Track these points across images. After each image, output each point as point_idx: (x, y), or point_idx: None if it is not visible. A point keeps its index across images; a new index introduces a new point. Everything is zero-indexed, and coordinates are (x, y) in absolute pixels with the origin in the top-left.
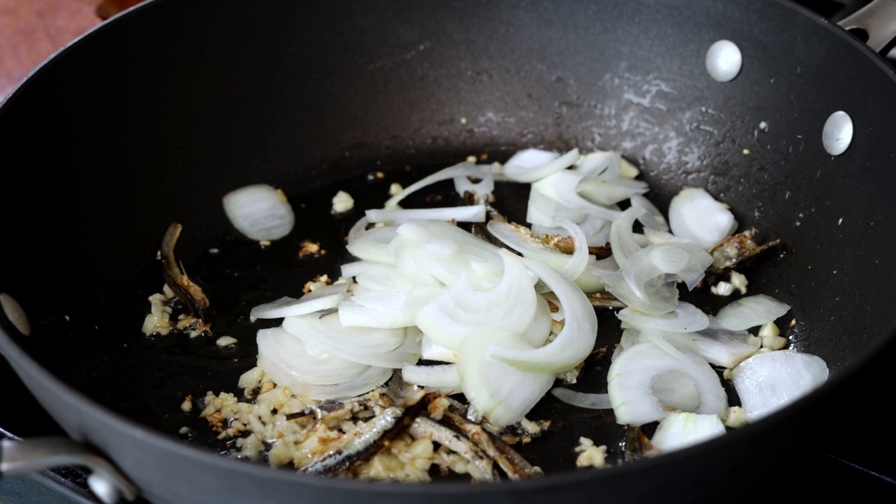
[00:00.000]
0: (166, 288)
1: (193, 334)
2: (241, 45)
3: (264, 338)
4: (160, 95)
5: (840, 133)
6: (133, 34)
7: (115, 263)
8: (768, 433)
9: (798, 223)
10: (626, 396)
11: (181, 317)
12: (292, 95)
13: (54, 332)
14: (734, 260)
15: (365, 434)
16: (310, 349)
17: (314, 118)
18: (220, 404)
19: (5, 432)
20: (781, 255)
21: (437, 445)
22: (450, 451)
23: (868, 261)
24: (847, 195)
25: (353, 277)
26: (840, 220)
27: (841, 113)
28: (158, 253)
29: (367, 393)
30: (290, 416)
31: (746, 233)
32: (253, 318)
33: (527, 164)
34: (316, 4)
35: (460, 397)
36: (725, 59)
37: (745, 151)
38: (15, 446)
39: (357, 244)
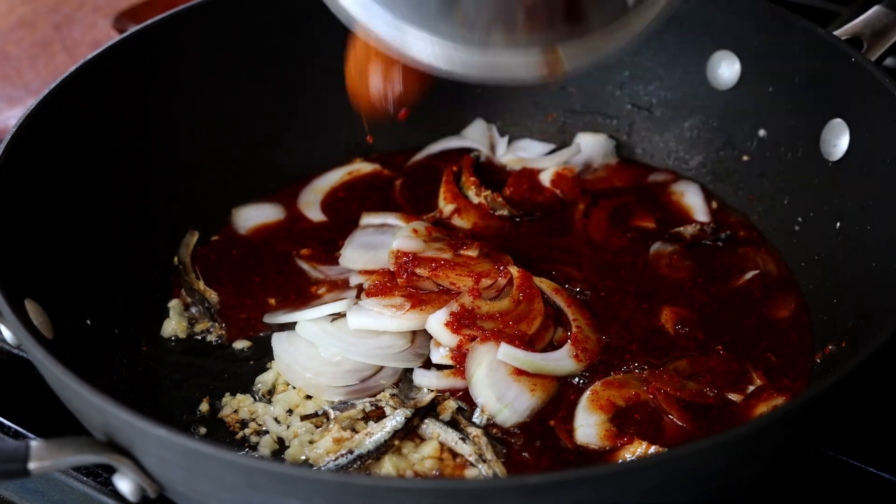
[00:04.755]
0: (183, 292)
1: (210, 338)
2: (255, 56)
3: (279, 341)
4: (176, 105)
5: (837, 140)
6: (149, 46)
7: (133, 268)
8: (767, 431)
9: (797, 227)
10: (582, 420)
11: (198, 321)
12: (304, 104)
13: (76, 336)
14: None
15: (376, 434)
16: (322, 351)
17: (326, 126)
18: (236, 405)
19: (28, 433)
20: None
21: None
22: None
23: (865, 263)
24: (844, 200)
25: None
26: (838, 224)
27: (838, 120)
28: (175, 258)
29: (379, 394)
30: (304, 417)
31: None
32: (267, 322)
33: (524, 152)
34: (328, 15)
35: (467, 399)
36: (725, 68)
37: (745, 158)
38: (42, 446)
39: (345, 255)
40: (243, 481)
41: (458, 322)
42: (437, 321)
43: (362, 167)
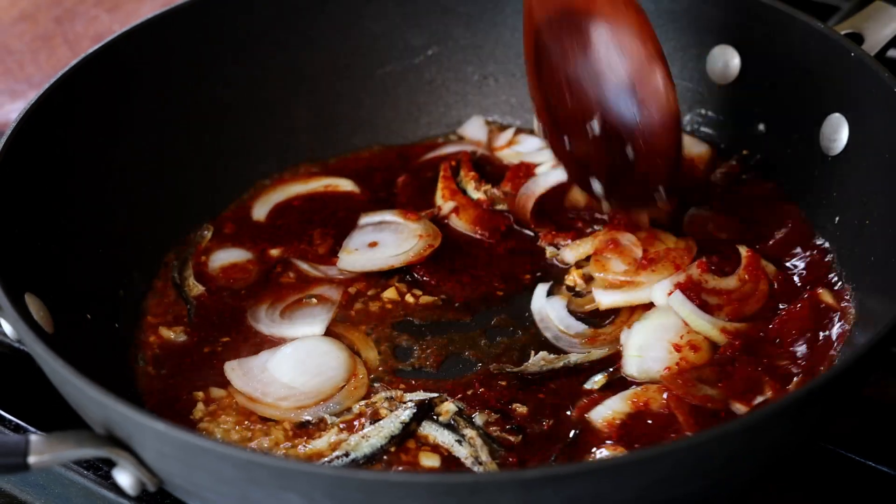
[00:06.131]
0: (171, 283)
1: (205, 335)
2: (256, 50)
3: (231, 371)
4: (176, 99)
5: (836, 134)
6: (152, 40)
7: (133, 263)
8: (766, 425)
9: None
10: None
11: (192, 318)
12: (304, 99)
13: (76, 330)
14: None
15: (372, 438)
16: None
17: (325, 120)
18: (232, 402)
19: (28, 427)
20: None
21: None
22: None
23: (864, 257)
24: (843, 194)
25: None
26: (837, 219)
27: (837, 115)
28: (172, 255)
29: (374, 396)
30: (299, 426)
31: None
32: (252, 324)
33: (521, 147)
34: (328, 10)
35: (467, 400)
36: (725, 62)
37: (744, 152)
38: (42, 440)
39: (343, 257)
40: (242, 476)
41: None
42: (662, 290)
43: (342, 184)
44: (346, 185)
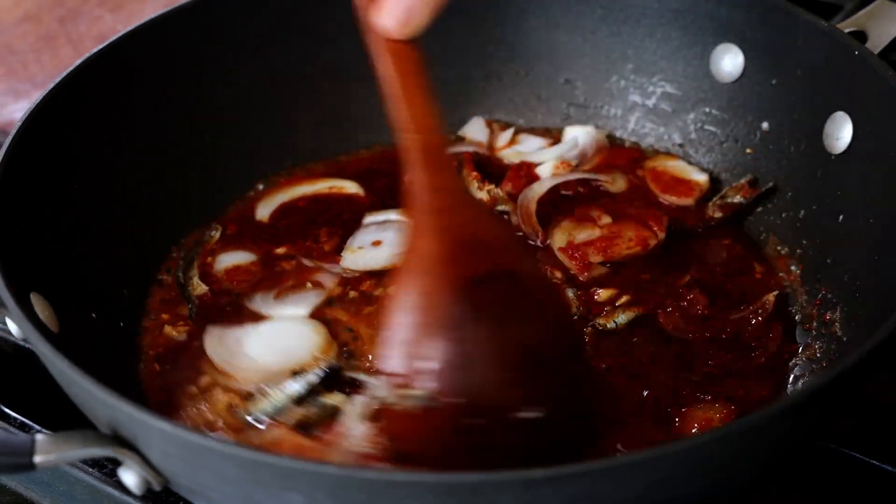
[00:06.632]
0: (175, 281)
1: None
2: (259, 50)
3: (211, 337)
4: (179, 99)
5: (840, 133)
6: (155, 40)
7: (138, 262)
8: (767, 425)
9: (799, 222)
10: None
11: (193, 317)
12: (307, 98)
13: (81, 330)
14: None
15: (275, 396)
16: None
17: (328, 120)
18: (230, 400)
19: (33, 424)
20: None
21: None
22: None
23: (868, 256)
24: (847, 193)
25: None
26: (840, 218)
27: (841, 113)
28: (177, 254)
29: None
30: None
31: (743, 180)
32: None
33: (522, 147)
34: (331, 10)
35: None
36: (728, 61)
37: (748, 151)
38: (48, 439)
39: (346, 257)
40: (245, 475)
41: None
42: None
43: (347, 186)
44: (351, 187)
